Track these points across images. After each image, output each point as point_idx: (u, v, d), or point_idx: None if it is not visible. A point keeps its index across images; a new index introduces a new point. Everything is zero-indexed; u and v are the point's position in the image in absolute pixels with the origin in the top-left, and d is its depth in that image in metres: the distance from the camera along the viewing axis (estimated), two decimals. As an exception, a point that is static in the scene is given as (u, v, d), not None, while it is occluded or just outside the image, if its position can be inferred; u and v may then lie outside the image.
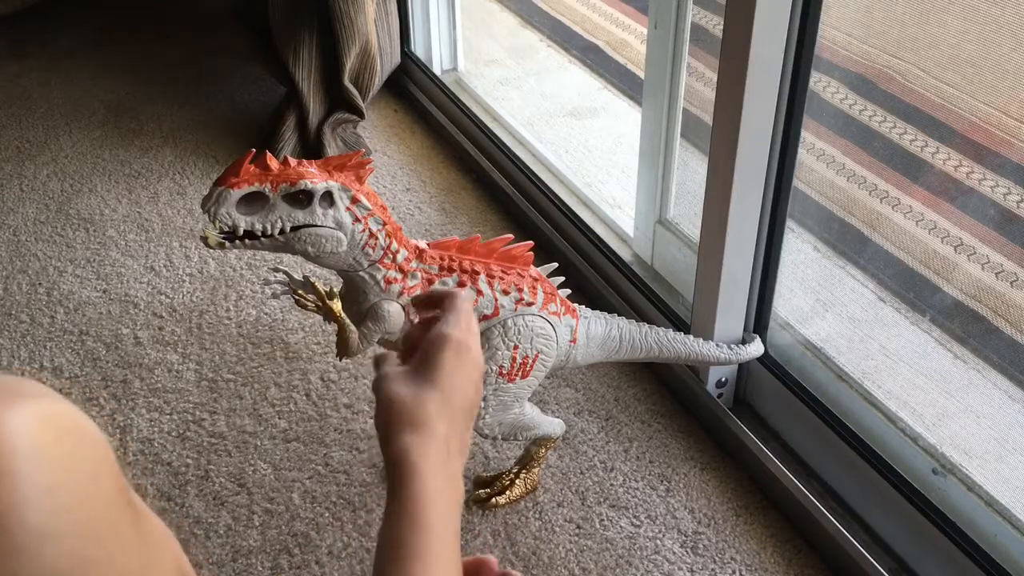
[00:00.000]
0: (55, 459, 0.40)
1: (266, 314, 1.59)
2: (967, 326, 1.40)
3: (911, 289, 1.47)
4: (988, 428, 1.26)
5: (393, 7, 2.05)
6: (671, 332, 1.22)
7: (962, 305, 1.43)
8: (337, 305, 1.04)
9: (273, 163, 0.94)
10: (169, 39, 2.48)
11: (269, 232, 0.95)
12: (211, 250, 1.36)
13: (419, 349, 0.81)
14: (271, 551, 1.21)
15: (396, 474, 0.78)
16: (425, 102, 2.10)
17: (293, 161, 0.96)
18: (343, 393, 1.43)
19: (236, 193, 0.92)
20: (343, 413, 1.40)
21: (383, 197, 1.85)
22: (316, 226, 0.97)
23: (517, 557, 1.20)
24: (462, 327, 0.85)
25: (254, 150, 0.95)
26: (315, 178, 0.96)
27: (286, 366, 1.48)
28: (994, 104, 1.59)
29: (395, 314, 1.05)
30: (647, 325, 1.22)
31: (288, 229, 0.96)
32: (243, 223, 0.93)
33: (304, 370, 1.47)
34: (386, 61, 2.06)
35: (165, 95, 2.23)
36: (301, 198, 0.96)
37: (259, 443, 1.36)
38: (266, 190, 0.94)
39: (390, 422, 0.80)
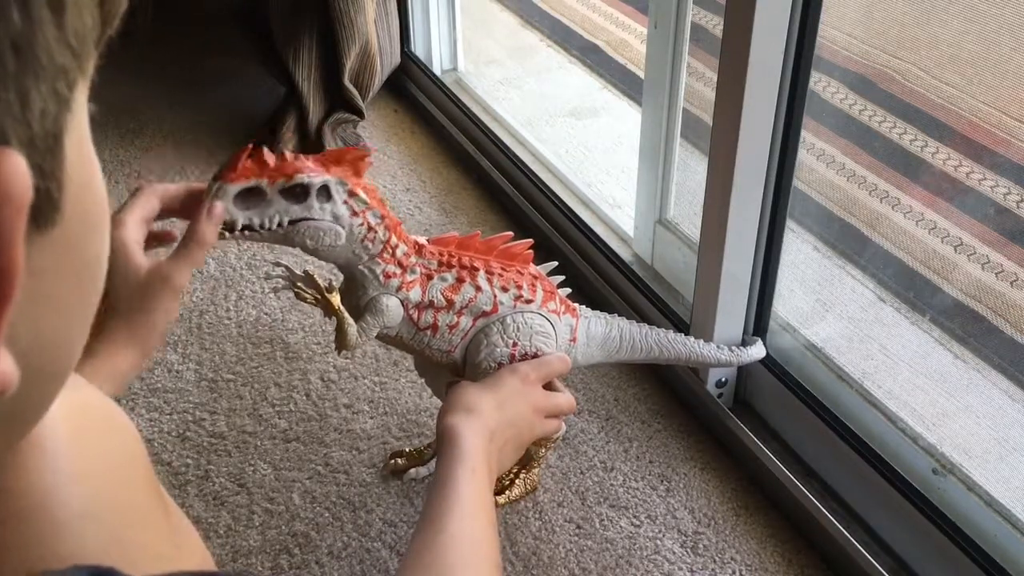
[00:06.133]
0: (93, 446, 0.41)
1: (266, 314, 1.59)
2: (967, 326, 1.40)
3: (911, 289, 1.47)
4: (988, 428, 1.26)
5: (393, 7, 2.05)
6: (671, 333, 1.22)
7: (962, 305, 1.44)
8: (336, 299, 1.04)
9: (269, 158, 0.94)
10: (169, 39, 2.48)
11: (267, 227, 0.95)
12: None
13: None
14: (271, 551, 1.21)
15: (442, 442, 0.94)
16: (425, 102, 2.10)
17: (289, 155, 0.96)
18: (343, 393, 1.43)
19: (233, 188, 0.92)
20: (343, 413, 1.40)
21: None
22: (314, 220, 0.97)
23: (517, 557, 1.20)
24: (536, 371, 1.09)
25: (251, 145, 0.94)
26: (311, 172, 0.96)
27: (286, 366, 1.48)
28: (994, 104, 1.59)
29: (393, 308, 1.05)
30: (647, 326, 1.22)
31: (286, 223, 0.96)
32: (241, 218, 0.93)
33: (304, 370, 1.47)
34: (386, 61, 2.06)
35: (165, 95, 2.23)
36: (298, 192, 0.96)
37: (259, 443, 1.36)
38: (263, 185, 0.94)
39: (448, 407, 0.99)
